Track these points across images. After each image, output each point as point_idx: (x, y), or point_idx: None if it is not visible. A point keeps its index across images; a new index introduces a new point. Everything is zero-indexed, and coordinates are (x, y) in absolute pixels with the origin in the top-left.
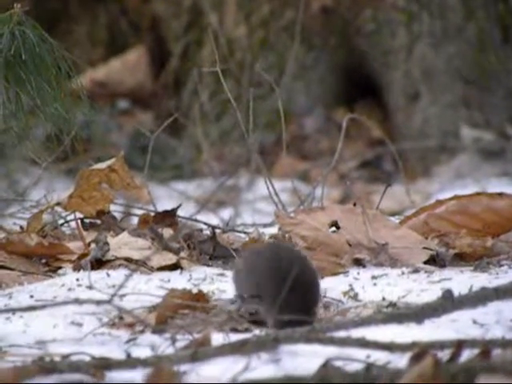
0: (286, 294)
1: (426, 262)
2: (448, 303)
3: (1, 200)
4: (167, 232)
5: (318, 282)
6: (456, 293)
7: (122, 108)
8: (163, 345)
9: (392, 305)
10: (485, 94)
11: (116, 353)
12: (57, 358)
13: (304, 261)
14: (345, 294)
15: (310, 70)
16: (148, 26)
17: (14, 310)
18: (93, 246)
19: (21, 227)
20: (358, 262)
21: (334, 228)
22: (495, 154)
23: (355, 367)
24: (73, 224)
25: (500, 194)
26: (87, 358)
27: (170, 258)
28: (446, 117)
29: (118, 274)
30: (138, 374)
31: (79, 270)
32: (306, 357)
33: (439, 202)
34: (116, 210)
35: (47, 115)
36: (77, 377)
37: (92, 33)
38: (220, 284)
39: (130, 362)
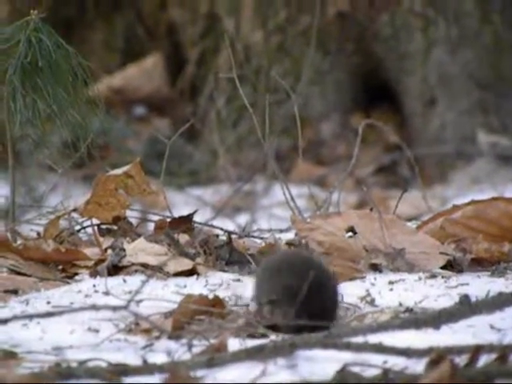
0: (303, 299)
1: (443, 267)
2: (465, 308)
3: (18, 206)
4: (183, 238)
5: (335, 286)
6: (473, 298)
7: (139, 114)
8: (179, 351)
9: (409, 310)
10: (501, 99)
11: (132, 359)
12: (74, 364)
13: (322, 267)
14: (361, 299)
15: (326, 75)
16: (164, 33)
17: (31, 317)
18: (109, 252)
19: (38, 233)
20: (375, 267)
21: (350, 233)
22: None
23: (372, 373)
24: (89, 230)
25: None
26: (104, 364)
27: (187, 264)
28: (463, 122)
29: (134, 280)
30: (155, 380)
31: (96, 276)
32: (323, 362)
33: (456, 207)
34: (132, 215)
35: (64, 122)
36: (93, 383)
37: (108, 39)
38: (236, 290)
39: (147, 368)
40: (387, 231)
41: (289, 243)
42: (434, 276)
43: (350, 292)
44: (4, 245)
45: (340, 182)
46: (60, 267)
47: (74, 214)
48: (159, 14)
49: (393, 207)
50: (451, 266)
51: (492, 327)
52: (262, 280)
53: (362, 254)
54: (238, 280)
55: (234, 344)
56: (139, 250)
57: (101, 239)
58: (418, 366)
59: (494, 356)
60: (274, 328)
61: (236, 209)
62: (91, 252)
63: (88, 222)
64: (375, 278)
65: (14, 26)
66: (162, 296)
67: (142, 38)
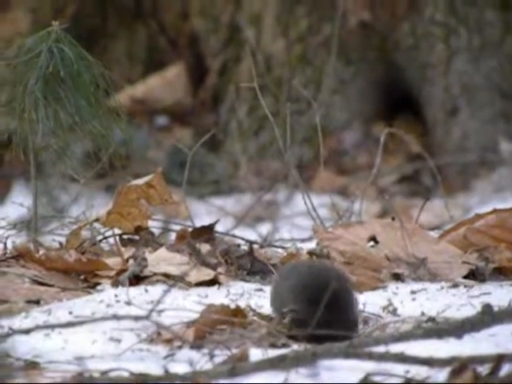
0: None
1: (465, 277)
2: (487, 318)
3: (40, 217)
4: (205, 247)
5: (352, 300)
6: (495, 307)
7: (161, 124)
8: (201, 360)
9: (431, 320)
10: None
11: (154, 368)
12: (95, 374)
13: (341, 277)
14: (384, 308)
15: (348, 84)
16: (186, 43)
17: (53, 327)
18: (131, 261)
19: (60, 244)
20: (397, 277)
21: (372, 242)
22: None
23: (394, 382)
24: (111, 240)
25: None
26: (126, 374)
27: (208, 274)
28: (485, 131)
29: (156, 290)
30: None
31: (117, 286)
32: (345, 372)
33: (478, 216)
34: (154, 225)
35: (86, 132)
36: None
37: (130, 50)
38: (258, 299)
39: (169, 378)
40: (409, 240)
41: (310, 253)
42: (456, 285)
43: (371, 301)
44: (26, 255)
45: (362, 191)
46: (82, 277)
47: (96, 224)
48: (181, 24)
49: (415, 216)
50: (473, 275)
51: None
52: (282, 289)
53: (384, 263)
54: (260, 290)
55: (255, 353)
56: (161, 259)
57: (122, 249)
58: (440, 376)
59: None
60: (296, 338)
61: (258, 218)
62: (113, 262)
63: (110, 232)
64: (397, 288)
65: (35, 37)
66: (184, 306)
67: (164, 48)
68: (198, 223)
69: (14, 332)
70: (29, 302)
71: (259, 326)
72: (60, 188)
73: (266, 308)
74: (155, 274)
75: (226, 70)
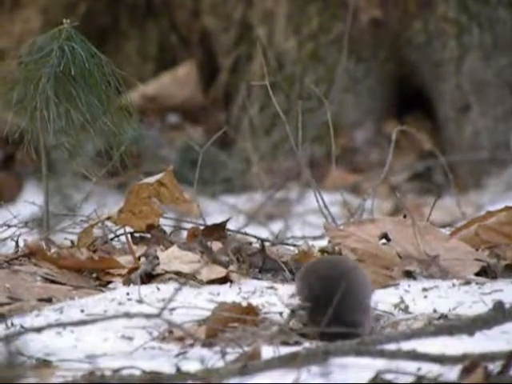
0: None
1: (477, 274)
2: (499, 315)
3: (52, 215)
4: (216, 245)
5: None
6: (507, 304)
7: (173, 122)
8: (213, 358)
9: (443, 317)
10: None
11: (166, 367)
12: (107, 373)
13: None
14: (395, 306)
15: (359, 82)
16: (198, 41)
17: (64, 325)
18: (143, 260)
19: (71, 242)
20: (409, 274)
21: (384, 240)
22: None
23: (406, 380)
24: (123, 238)
25: None
26: (137, 372)
27: (220, 272)
28: (497, 128)
29: (167, 288)
30: None
31: (129, 284)
32: (356, 370)
33: (490, 214)
34: (166, 223)
35: (97, 130)
36: None
37: (142, 48)
38: (270, 297)
39: (180, 376)
40: (421, 238)
41: (322, 250)
42: (468, 282)
43: (383, 299)
44: (38, 253)
45: (374, 188)
46: (94, 275)
47: (108, 223)
48: (192, 22)
49: (427, 214)
50: (485, 272)
51: None
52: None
53: (396, 260)
54: (272, 287)
55: (267, 351)
56: (172, 257)
57: (134, 247)
58: (451, 373)
59: None
60: (308, 335)
61: (270, 216)
62: (125, 260)
63: (121, 231)
64: (409, 285)
65: (46, 35)
66: (196, 304)
67: (176, 46)
68: (210, 221)
69: (25, 330)
70: (41, 300)
71: (271, 323)
72: (72, 186)
73: (278, 306)
74: (167, 272)
75: (238, 68)
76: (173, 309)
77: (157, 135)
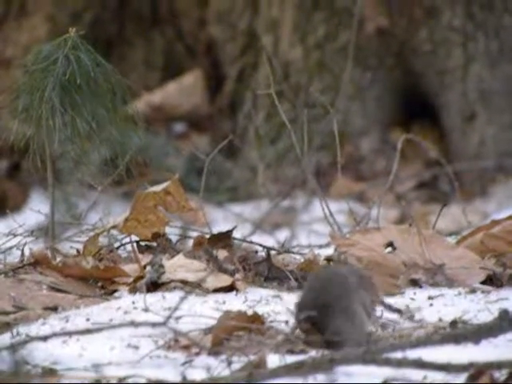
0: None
1: (482, 282)
2: (505, 323)
3: (58, 224)
4: (222, 254)
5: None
6: None
7: (179, 131)
8: (219, 367)
9: (449, 325)
10: None
11: (172, 375)
12: (113, 381)
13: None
14: (401, 314)
15: (365, 91)
16: (204, 50)
17: (70, 334)
18: (148, 268)
19: (77, 251)
20: (415, 283)
21: (389, 249)
22: None
23: None
24: (129, 247)
25: None
26: (143, 381)
27: (226, 280)
28: (503, 137)
29: (173, 297)
30: None
31: (135, 293)
32: (362, 378)
33: (495, 222)
34: (172, 232)
35: (103, 139)
36: None
37: (148, 57)
38: (275, 306)
39: None
40: (427, 246)
41: (328, 259)
42: (473, 291)
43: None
44: (44, 262)
45: (379, 197)
46: (99, 284)
47: (114, 231)
48: (198, 31)
49: (433, 222)
50: (491, 280)
51: None
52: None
53: (402, 269)
54: (277, 296)
55: (273, 360)
56: (178, 266)
57: (140, 256)
58: (457, 381)
59: None
60: (314, 344)
61: (275, 225)
62: (130, 269)
63: (127, 239)
64: (415, 293)
65: (52, 44)
66: (201, 312)
67: (182, 55)
68: (216, 230)
69: (31, 339)
70: (46, 308)
71: (277, 332)
72: (77, 195)
73: (284, 314)
74: (172, 280)
75: (244, 77)
76: (179, 317)
77: (163, 144)
